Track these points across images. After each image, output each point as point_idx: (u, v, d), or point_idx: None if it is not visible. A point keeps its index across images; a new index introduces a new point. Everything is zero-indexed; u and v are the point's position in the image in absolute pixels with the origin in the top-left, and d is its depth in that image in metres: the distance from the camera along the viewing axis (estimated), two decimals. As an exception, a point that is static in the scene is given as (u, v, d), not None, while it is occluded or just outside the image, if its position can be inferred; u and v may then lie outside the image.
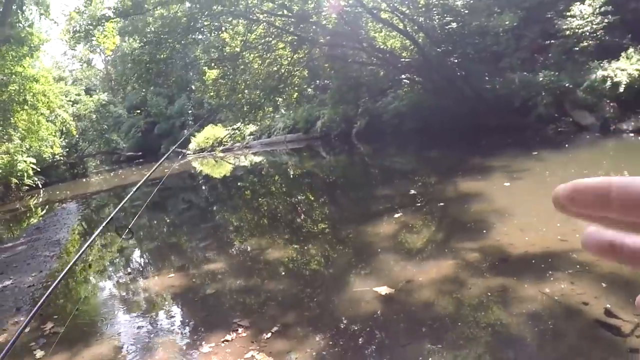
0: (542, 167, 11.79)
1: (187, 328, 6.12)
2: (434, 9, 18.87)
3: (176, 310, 7.02)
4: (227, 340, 5.33)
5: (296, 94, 25.66)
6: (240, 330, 5.51)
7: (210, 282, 7.65)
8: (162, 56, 19.43)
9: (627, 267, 0.44)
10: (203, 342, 5.43)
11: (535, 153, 13.37)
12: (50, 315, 7.16)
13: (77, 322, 6.68)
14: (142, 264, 10.66)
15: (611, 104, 15.70)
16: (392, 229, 8.49)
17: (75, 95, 43.30)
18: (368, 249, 7.75)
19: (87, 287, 8.34)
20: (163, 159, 7.13)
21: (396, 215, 9.24)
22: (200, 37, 24.72)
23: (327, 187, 16.02)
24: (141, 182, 5.26)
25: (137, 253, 11.64)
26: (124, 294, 8.16)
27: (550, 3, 20.48)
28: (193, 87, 44.15)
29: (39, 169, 32.24)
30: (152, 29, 18.96)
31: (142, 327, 6.32)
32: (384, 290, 5.85)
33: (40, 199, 27.40)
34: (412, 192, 11.46)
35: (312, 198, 14.43)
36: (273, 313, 5.93)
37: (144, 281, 8.67)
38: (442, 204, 9.66)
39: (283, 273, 7.50)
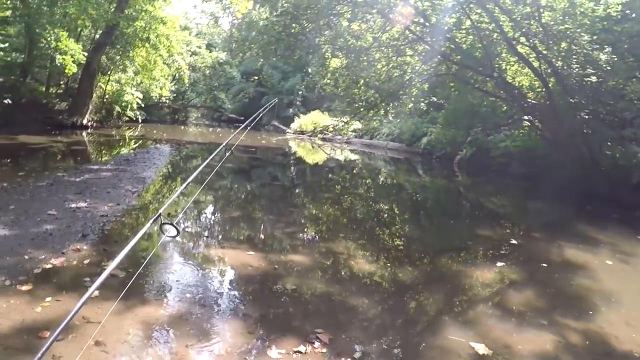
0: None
1: (258, 322, 5.53)
2: (575, 56, 17.97)
3: (250, 296, 6.49)
4: (299, 352, 4.82)
5: (411, 104, 25.15)
6: (317, 344, 4.98)
7: (291, 275, 7.17)
8: (294, 30, 19.20)
9: None
10: (273, 345, 4.91)
11: (633, 233, 12.47)
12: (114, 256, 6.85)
13: (138, 277, 6.29)
14: (221, 229, 10.35)
15: None
16: (492, 279, 7.86)
17: (196, 47, 44.11)
18: (466, 294, 7.20)
19: (156, 241, 7.93)
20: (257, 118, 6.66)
21: (498, 265, 8.54)
22: (332, 26, 24.45)
23: (420, 209, 15.47)
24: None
25: (216, 215, 11.40)
26: (195, 259, 7.74)
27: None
28: (310, 69, 44.19)
29: (143, 105, 32.98)
30: (289, 1, 18.71)
31: (206, 305, 5.87)
32: (481, 349, 5.24)
33: (137, 132, 27.89)
34: (514, 241, 10.78)
35: (404, 215, 13.89)
36: (356, 335, 5.36)
37: (220, 250, 8.23)
38: (545, 265, 8.92)
39: (371, 291, 6.93)
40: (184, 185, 4.61)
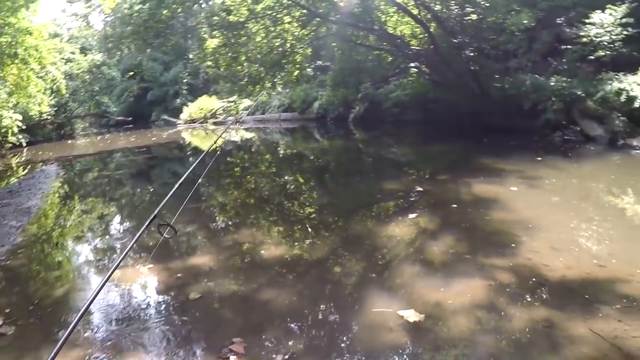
0: (555, 175, 11.10)
1: (161, 347, 4.80)
2: (453, -3, 18.11)
3: (150, 317, 5.56)
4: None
5: (296, 72, 24.84)
6: (232, 358, 4.35)
7: (194, 282, 6.33)
8: (162, 15, 18.44)
9: None
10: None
11: (540, 159, 12.92)
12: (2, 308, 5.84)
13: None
14: (114, 242, 9.22)
15: (622, 118, 15.04)
16: (408, 233, 7.55)
17: (70, 53, 42.30)
18: (385, 257, 6.74)
19: (45, 266, 7.20)
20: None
21: (411, 216, 8.31)
22: (204, 5, 23.71)
23: (324, 174, 15.18)
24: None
25: (107, 226, 10.60)
26: (86, 280, 7.00)
27: (568, 8, 20.00)
28: (190, 55, 43.28)
29: (24, 127, 31.25)
30: (156, -14, 17.97)
31: (100, 336, 5.10)
32: (411, 315, 4.83)
33: (23, 158, 26.42)
34: (422, 189, 10.60)
35: (309, 185, 13.51)
36: (275, 335, 4.76)
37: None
38: (458, 206, 8.79)
39: (285, 279, 6.26)
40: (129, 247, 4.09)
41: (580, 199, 8.97)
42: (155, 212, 3.10)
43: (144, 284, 6.57)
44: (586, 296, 5.04)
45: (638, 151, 13.79)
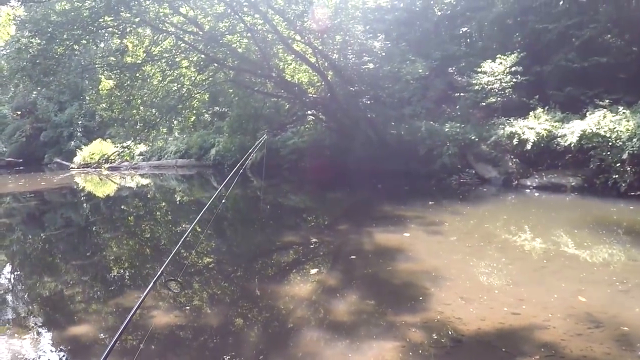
0: (455, 219, 11.33)
1: None
2: (350, 47, 18.37)
3: None
4: None
5: (193, 117, 24.57)
6: None
7: (80, 356, 5.65)
8: (55, 52, 17.74)
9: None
10: None
11: (438, 203, 13.37)
12: None
13: None
14: None
15: (514, 160, 16.09)
16: (310, 292, 7.09)
17: (-44, 86, 40.68)
18: (287, 321, 6.22)
19: None
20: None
21: (312, 272, 8.01)
22: (102, 44, 23.15)
23: (222, 222, 14.82)
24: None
25: None
26: None
27: (460, 57, 20.82)
28: (87, 96, 42.24)
29: None
30: (51, 20, 17.27)
31: None
32: None
33: None
34: (322, 239, 10.46)
35: (206, 237, 13.03)
36: None
37: None
38: (360, 258, 8.63)
39: (178, 350, 5.64)
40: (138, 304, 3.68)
41: (481, 243, 9.09)
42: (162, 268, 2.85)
43: (27, 354, 5.82)
44: (504, 349, 4.96)
45: (531, 190, 14.68)
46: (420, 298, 6.36)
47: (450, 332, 5.38)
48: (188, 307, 6.90)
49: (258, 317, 6.51)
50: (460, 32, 23.42)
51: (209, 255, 10.56)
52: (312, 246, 10.12)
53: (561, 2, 18.79)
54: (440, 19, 23.31)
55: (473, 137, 16.99)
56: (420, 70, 17.87)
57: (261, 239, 11.51)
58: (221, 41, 19.40)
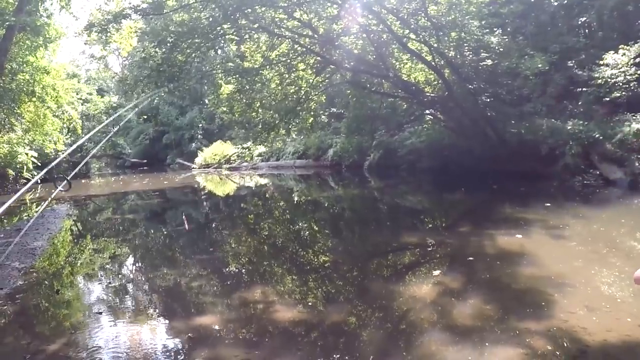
0: (579, 223, 10.80)
1: None
2: (466, 44, 17.98)
3: None
4: None
5: (311, 119, 24.77)
6: None
7: (201, 345, 5.77)
8: (177, 60, 18.42)
9: None
10: None
11: (561, 206, 12.76)
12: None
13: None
14: (120, 290, 8.57)
15: None
16: (431, 294, 6.98)
17: (87, 94, 42.89)
18: (409, 322, 6.17)
19: (42, 316, 6.85)
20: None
21: (434, 274, 7.86)
22: (219, 51, 23.78)
23: (339, 222, 14.87)
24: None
25: (113, 273, 9.90)
26: (85, 334, 6.32)
27: (579, 50, 19.97)
28: (206, 100, 43.52)
29: (39, 164, 31.40)
30: (171, 30, 17.93)
31: None
32: None
33: (37, 194, 26.39)
34: (441, 241, 10.33)
35: (323, 233, 13.15)
36: None
37: (113, 329, 6.46)
38: (482, 261, 8.42)
39: (298, 347, 5.63)
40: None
41: (605, 249, 8.64)
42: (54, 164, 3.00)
43: (150, 340, 6.14)
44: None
45: None
46: (543, 305, 6.12)
47: (575, 342, 5.14)
48: (306, 304, 7.02)
49: (374, 317, 6.51)
50: (579, 22, 22.41)
51: (325, 254, 10.60)
52: (429, 248, 9.99)
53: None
54: (557, 9, 22.38)
55: (597, 135, 15.86)
56: (539, 65, 17.16)
57: (378, 240, 11.50)
58: (336, 43, 19.51)
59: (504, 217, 11.96)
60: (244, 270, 9.58)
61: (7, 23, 23.74)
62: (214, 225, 15.61)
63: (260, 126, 23.24)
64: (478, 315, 6.06)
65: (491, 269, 7.89)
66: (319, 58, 20.41)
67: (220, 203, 20.85)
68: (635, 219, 11.66)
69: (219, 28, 18.28)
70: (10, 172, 28.84)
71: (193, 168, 39.36)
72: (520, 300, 6.51)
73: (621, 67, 17.05)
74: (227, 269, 9.59)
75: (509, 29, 19.89)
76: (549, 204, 12.68)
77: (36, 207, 20.34)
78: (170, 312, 7.23)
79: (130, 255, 11.63)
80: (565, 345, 5.13)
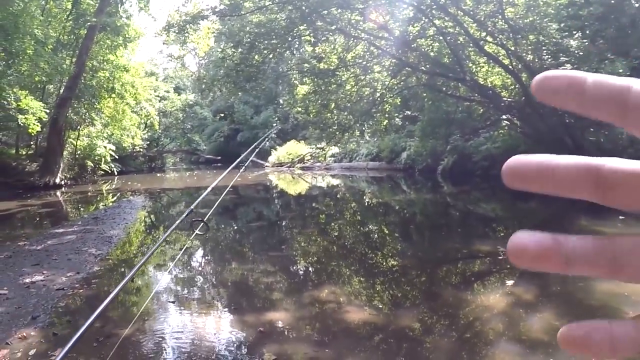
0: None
1: None
2: (545, 47, 17.60)
3: None
4: None
5: (385, 121, 24.67)
6: None
7: (272, 340, 5.82)
8: (254, 60, 18.65)
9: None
10: None
11: (627, 218, 11.99)
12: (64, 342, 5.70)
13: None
14: (191, 292, 8.56)
15: None
16: (501, 304, 6.82)
17: (164, 91, 43.92)
18: (479, 331, 6.05)
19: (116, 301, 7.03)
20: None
21: (506, 284, 7.75)
22: (296, 52, 23.95)
23: (410, 226, 14.75)
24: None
25: (184, 265, 10.35)
26: (154, 319, 6.63)
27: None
28: (281, 100, 43.90)
29: (117, 157, 32.54)
30: (248, 31, 18.18)
31: None
32: None
33: (113, 186, 27.19)
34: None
35: (395, 240, 13.01)
36: None
37: (182, 318, 6.79)
38: (558, 275, 7.90)
39: (367, 349, 5.60)
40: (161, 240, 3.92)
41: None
42: (192, 207, 3.48)
43: (222, 331, 6.26)
44: None
45: None
46: (619, 324, 5.84)
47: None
48: (374, 306, 7.00)
49: (441, 324, 6.41)
50: (662, 25, 21.67)
51: (394, 258, 10.50)
52: (501, 257, 9.77)
53: None
54: (638, 11, 21.65)
55: None
56: (620, 70, 16.67)
57: (448, 246, 11.32)
58: (412, 45, 19.38)
59: (579, 229, 11.61)
60: (313, 269, 9.67)
61: (88, 23, 24.64)
62: (284, 223, 15.70)
63: (334, 127, 23.25)
64: (548, 330, 5.83)
65: (565, 282, 7.64)
66: (394, 60, 20.30)
67: (292, 202, 20.96)
68: None
69: (295, 29, 18.47)
70: (89, 163, 29.79)
71: (266, 166, 39.68)
72: (593, 316, 6.16)
73: None
74: (297, 267, 9.75)
75: (588, 32, 19.30)
76: (629, 219, 12.29)
77: (111, 198, 20.89)
78: (240, 305, 7.33)
79: (201, 248, 11.80)
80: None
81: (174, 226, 3.62)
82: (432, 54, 20.41)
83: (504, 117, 22.55)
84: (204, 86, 60.86)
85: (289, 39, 18.95)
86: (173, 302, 7.33)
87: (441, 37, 19.02)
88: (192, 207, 4.10)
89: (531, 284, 7.75)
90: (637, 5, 21.17)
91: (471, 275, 8.90)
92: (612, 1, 20.76)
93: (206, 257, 11.30)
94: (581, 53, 17.05)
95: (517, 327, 6.04)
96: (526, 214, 15.44)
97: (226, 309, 7.22)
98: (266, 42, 18.18)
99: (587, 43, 17.71)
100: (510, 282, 7.81)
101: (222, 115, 53.09)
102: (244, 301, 7.53)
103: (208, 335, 6.12)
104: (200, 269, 10.14)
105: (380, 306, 7.15)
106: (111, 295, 2.47)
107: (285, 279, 8.80)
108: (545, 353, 5.22)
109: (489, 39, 18.50)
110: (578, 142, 17.82)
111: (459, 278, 8.73)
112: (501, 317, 6.40)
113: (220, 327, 6.47)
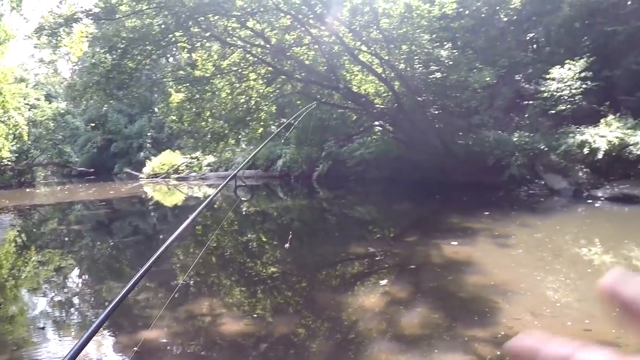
0: (524, 232, 11.08)
1: None
2: (417, 57, 18.21)
3: None
4: None
5: (261, 129, 24.74)
6: None
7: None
8: (127, 67, 18.28)
9: None
10: None
11: (506, 215, 13.14)
12: None
13: None
14: (64, 315, 7.94)
15: (585, 170, 15.56)
16: (379, 304, 7.02)
17: (35, 99, 41.91)
18: (357, 333, 6.18)
19: None
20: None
21: (382, 283, 7.96)
22: (171, 59, 23.70)
23: (288, 232, 14.84)
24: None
25: (58, 286, 9.82)
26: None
27: (527, 64, 20.45)
28: (156, 109, 43.09)
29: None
30: (122, 36, 17.80)
31: None
32: None
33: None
34: (389, 251, 10.36)
35: (273, 248, 13.01)
36: None
37: (57, 344, 6.37)
38: (428, 271, 8.51)
39: (249, 358, 5.59)
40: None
41: (550, 257, 8.86)
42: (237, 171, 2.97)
43: (92, 357, 5.89)
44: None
45: (602, 202, 14.13)
46: (489, 312, 6.23)
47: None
48: (254, 315, 6.98)
49: (323, 328, 6.53)
50: (527, 37, 22.89)
51: (273, 265, 10.58)
52: (377, 258, 10.04)
53: (629, 3, 18.37)
54: (506, 24, 22.85)
55: (542, 147, 16.48)
56: (487, 79, 17.50)
57: (326, 250, 11.49)
58: (288, 53, 19.59)
59: (451, 227, 12.13)
60: (191, 282, 9.37)
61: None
62: (160, 236, 15.44)
63: (209, 136, 23.06)
64: (424, 324, 6.12)
65: (438, 277, 7.99)
66: (270, 68, 20.44)
67: (168, 214, 20.66)
68: (578, 226, 12.06)
69: (170, 35, 18.24)
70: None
71: (141, 178, 38.81)
72: (466, 307, 6.62)
73: (567, 81, 17.45)
74: (173, 282, 9.37)
75: (459, 43, 20.18)
76: (494, 214, 12.95)
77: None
78: (113, 325, 6.96)
79: (75, 268, 11.42)
80: (511, 351, 5.16)
81: (221, 187, 3.66)
82: (307, 62, 20.64)
83: (377, 123, 23.07)
84: (75, 94, 59.03)
85: (164, 45, 18.69)
86: (43, 328, 6.91)
87: (317, 46, 19.28)
88: (236, 171, 4.11)
89: (406, 282, 8.07)
90: (505, 19, 22.38)
91: (349, 277, 9.08)
92: (483, 15, 21.80)
93: (79, 277, 10.89)
94: (451, 62, 17.72)
95: (397, 324, 6.25)
96: (400, 215, 15.90)
97: (100, 331, 6.82)
98: (140, 47, 17.88)
99: (457, 53, 18.45)
100: (386, 282, 8.06)
101: (95, 124, 51.36)
102: (117, 321, 7.15)
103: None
104: (73, 289, 9.68)
105: (262, 314, 7.14)
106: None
107: (161, 295, 8.45)
108: (423, 346, 5.50)
109: (363, 48, 18.88)
110: (448, 146, 18.51)
111: (337, 281, 8.89)
112: (381, 315, 6.61)
113: (91, 350, 6.03)
